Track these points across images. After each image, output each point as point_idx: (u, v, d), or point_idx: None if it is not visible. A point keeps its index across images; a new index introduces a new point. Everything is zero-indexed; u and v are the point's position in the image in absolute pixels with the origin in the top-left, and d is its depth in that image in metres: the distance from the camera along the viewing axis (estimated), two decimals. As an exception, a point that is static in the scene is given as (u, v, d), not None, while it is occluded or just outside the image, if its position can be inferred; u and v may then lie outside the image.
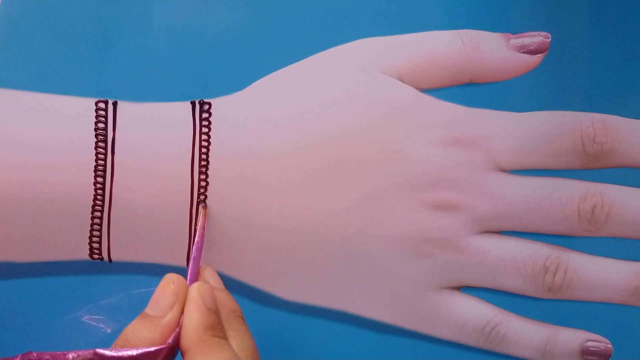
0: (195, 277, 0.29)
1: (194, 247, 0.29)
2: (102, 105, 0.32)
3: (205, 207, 0.31)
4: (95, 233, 0.31)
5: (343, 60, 0.33)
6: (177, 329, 0.26)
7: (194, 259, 0.29)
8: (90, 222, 0.31)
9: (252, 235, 0.32)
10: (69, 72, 0.32)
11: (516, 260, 0.32)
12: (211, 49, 0.33)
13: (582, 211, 0.32)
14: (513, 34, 0.33)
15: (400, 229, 0.32)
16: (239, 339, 0.26)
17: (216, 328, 0.26)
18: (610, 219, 0.32)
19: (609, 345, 0.33)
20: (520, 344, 0.33)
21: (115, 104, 0.32)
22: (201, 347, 0.25)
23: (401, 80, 0.32)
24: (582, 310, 0.33)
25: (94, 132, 0.31)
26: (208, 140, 0.32)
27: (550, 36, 0.33)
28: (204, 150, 0.32)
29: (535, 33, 0.33)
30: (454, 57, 0.33)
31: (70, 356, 0.24)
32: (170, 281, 0.27)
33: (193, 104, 0.32)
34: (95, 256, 0.32)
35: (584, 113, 0.33)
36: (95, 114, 0.32)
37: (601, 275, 0.33)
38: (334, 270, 0.33)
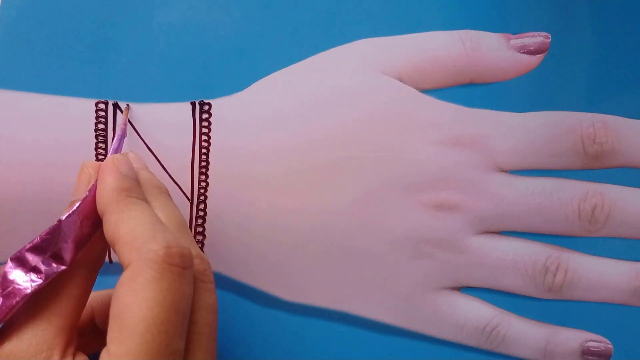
0: None
1: (115, 138, 0.29)
2: (102, 106, 0.32)
3: (128, 107, 0.31)
4: (95, 234, 0.31)
5: (343, 61, 0.33)
6: (82, 198, 0.25)
7: (114, 149, 0.29)
8: (91, 222, 0.31)
9: (252, 235, 0.32)
10: (69, 72, 0.32)
11: (516, 260, 0.32)
12: (211, 49, 0.33)
13: (583, 211, 0.32)
14: (513, 34, 0.33)
15: (400, 229, 0.32)
16: (164, 210, 0.26)
17: (133, 190, 0.25)
18: (610, 219, 0.32)
19: (610, 346, 0.33)
20: (521, 344, 0.33)
21: (115, 105, 0.32)
22: (116, 206, 0.24)
23: (401, 80, 0.32)
24: (582, 310, 0.33)
25: (94, 133, 0.31)
26: (208, 141, 0.32)
27: (550, 36, 0.33)
28: (204, 150, 0.32)
29: (536, 33, 0.33)
30: (454, 57, 0.33)
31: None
32: (85, 166, 0.27)
33: (193, 104, 0.32)
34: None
35: (584, 113, 0.33)
36: (95, 115, 0.32)
37: (601, 275, 0.33)
38: (333, 270, 0.33)
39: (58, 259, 0.24)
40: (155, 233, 0.23)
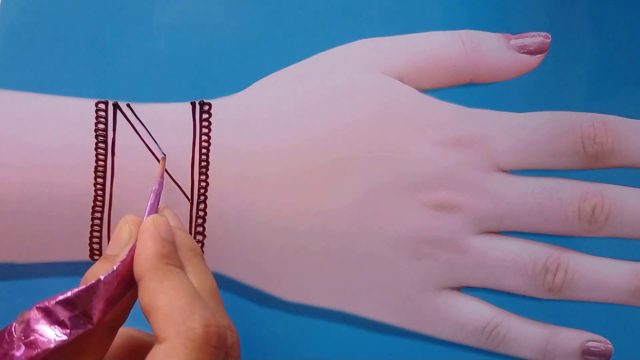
0: None
1: (152, 194, 0.29)
2: (102, 106, 0.32)
3: (164, 158, 0.31)
4: (95, 234, 0.31)
5: (343, 61, 0.33)
6: (122, 259, 0.25)
7: (151, 205, 0.28)
8: (91, 222, 0.31)
9: (252, 235, 0.32)
10: (68, 73, 0.32)
11: (516, 260, 0.32)
12: (211, 49, 0.33)
13: (583, 211, 0.32)
14: (513, 34, 0.33)
15: (400, 229, 0.32)
16: (197, 276, 0.25)
17: (172, 257, 0.25)
18: (610, 219, 0.32)
19: (610, 346, 0.33)
20: (521, 344, 0.33)
21: (115, 105, 0.32)
22: (154, 274, 0.24)
23: (401, 80, 0.32)
24: (582, 310, 0.33)
25: (94, 133, 0.31)
26: (208, 141, 0.32)
27: (550, 36, 0.33)
28: (204, 150, 0.32)
29: (536, 33, 0.33)
30: (454, 57, 0.33)
31: (15, 325, 0.23)
32: (126, 221, 0.26)
33: (193, 104, 0.32)
34: (96, 257, 0.32)
35: (584, 113, 0.33)
36: (95, 115, 0.32)
37: (601, 275, 0.33)
38: (333, 270, 0.33)
39: (86, 317, 0.23)
40: (193, 308, 0.23)
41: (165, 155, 0.31)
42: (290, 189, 0.32)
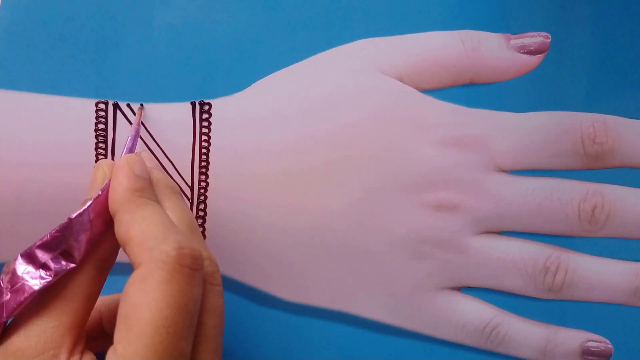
0: None
1: (129, 137, 0.29)
2: (102, 106, 0.32)
3: (142, 106, 0.31)
4: (95, 234, 0.31)
5: (343, 61, 0.33)
6: (95, 197, 0.25)
7: (128, 148, 0.28)
8: (91, 222, 0.31)
9: (252, 235, 0.32)
10: (69, 73, 0.32)
11: (516, 260, 0.32)
12: (211, 49, 0.33)
13: (583, 211, 0.32)
14: (513, 34, 0.33)
15: (400, 229, 0.32)
16: (175, 210, 0.25)
17: (146, 191, 0.25)
18: (610, 219, 0.32)
19: (609, 346, 0.33)
20: (521, 344, 0.33)
21: (115, 105, 0.32)
22: (128, 206, 0.24)
23: (401, 80, 0.32)
24: (582, 310, 0.33)
25: (94, 133, 0.31)
26: (208, 141, 0.32)
27: (550, 36, 0.33)
28: (204, 150, 0.32)
29: (536, 33, 0.33)
30: (454, 57, 0.33)
31: (2, 276, 0.24)
32: (100, 165, 0.27)
33: (193, 104, 0.32)
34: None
35: (584, 113, 0.33)
36: (95, 115, 0.32)
37: (601, 275, 0.33)
38: (334, 270, 0.33)
39: (68, 256, 0.24)
40: (167, 234, 0.23)
41: (142, 105, 0.32)
42: (290, 188, 0.32)
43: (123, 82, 0.32)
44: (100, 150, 0.31)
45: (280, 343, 0.33)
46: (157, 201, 0.26)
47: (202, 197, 0.32)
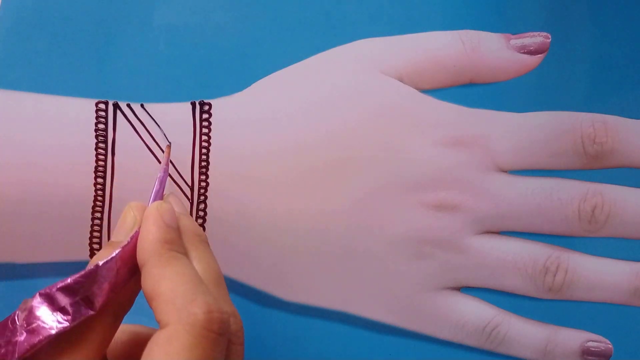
0: None
1: (157, 181, 0.28)
2: (102, 106, 0.32)
3: (169, 146, 0.31)
4: (95, 234, 0.31)
5: (343, 61, 0.33)
6: (124, 245, 0.24)
7: (156, 192, 0.28)
8: (91, 223, 0.31)
9: (253, 235, 0.32)
10: (69, 73, 0.32)
11: (516, 260, 0.32)
12: (211, 49, 0.33)
13: (583, 211, 0.32)
14: (513, 34, 0.33)
15: (400, 229, 0.32)
16: (202, 262, 0.25)
17: (175, 243, 0.25)
18: (610, 219, 0.32)
19: (610, 346, 0.33)
20: (521, 344, 0.33)
21: (115, 105, 0.32)
22: (157, 260, 0.24)
23: (401, 80, 0.32)
24: (582, 310, 0.33)
25: (94, 133, 0.31)
26: (208, 141, 0.32)
27: (550, 36, 0.33)
28: (204, 150, 0.32)
29: (536, 33, 0.33)
30: (454, 57, 0.33)
31: (18, 313, 0.23)
32: (131, 208, 0.26)
33: (193, 104, 0.32)
34: (96, 257, 0.32)
35: (584, 113, 0.33)
36: (95, 115, 0.32)
37: (601, 275, 0.33)
38: (334, 270, 0.33)
39: (88, 303, 0.23)
40: (196, 294, 0.22)
41: (170, 143, 0.31)
42: (291, 188, 0.32)
43: (123, 82, 0.32)
44: (100, 151, 0.31)
45: (280, 343, 0.33)
46: (185, 252, 0.25)
47: (202, 197, 0.32)
